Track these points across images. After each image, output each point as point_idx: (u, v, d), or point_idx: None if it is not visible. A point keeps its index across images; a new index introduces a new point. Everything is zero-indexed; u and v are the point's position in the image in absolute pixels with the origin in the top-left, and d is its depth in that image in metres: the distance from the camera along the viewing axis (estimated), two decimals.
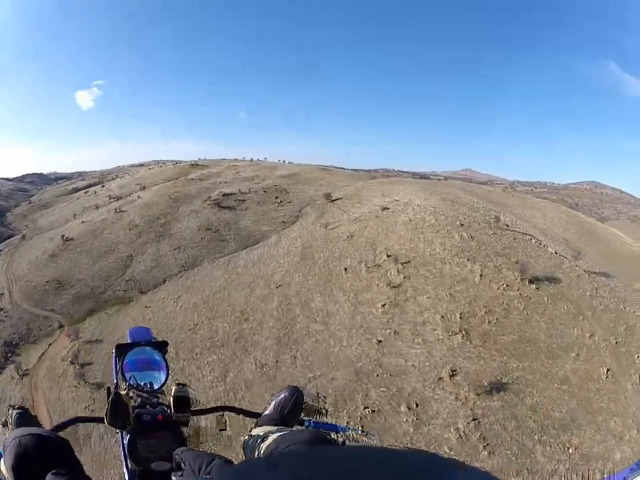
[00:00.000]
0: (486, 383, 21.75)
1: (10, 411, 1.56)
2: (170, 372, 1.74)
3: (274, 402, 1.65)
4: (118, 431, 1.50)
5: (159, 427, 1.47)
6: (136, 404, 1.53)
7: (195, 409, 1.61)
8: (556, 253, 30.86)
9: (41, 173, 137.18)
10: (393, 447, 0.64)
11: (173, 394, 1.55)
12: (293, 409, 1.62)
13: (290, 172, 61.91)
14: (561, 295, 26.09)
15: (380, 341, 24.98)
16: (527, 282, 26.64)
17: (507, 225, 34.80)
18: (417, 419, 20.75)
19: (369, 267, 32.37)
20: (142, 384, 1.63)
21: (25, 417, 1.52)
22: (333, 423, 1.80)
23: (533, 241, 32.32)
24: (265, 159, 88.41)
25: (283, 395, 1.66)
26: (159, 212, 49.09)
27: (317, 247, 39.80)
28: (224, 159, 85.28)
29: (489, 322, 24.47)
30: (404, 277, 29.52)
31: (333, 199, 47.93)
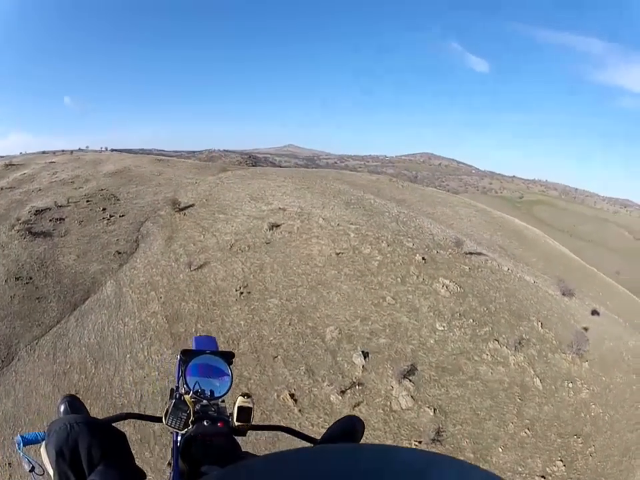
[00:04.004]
0: None
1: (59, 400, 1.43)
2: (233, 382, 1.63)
3: (330, 429, 1.48)
4: (173, 431, 1.48)
5: (217, 432, 1.45)
6: (196, 408, 1.51)
7: (254, 423, 1.54)
8: (534, 282, 24.94)
9: None
10: (394, 445, 0.63)
11: (237, 403, 1.50)
12: (346, 435, 1.42)
13: (118, 167, 43.30)
14: (602, 361, 20.45)
15: None
16: (580, 363, 19.49)
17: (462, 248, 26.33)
18: None
19: (343, 391, 18.10)
20: (203, 390, 1.58)
21: (75, 404, 1.37)
22: None
23: (505, 268, 25.26)
24: (87, 147, 71.97)
25: (339, 423, 1.48)
26: None
27: (190, 315, 21.68)
28: (45, 152, 64.20)
29: (591, 455, 16.31)
30: (436, 424, 17.21)
31: (181, 206, 31.56)
